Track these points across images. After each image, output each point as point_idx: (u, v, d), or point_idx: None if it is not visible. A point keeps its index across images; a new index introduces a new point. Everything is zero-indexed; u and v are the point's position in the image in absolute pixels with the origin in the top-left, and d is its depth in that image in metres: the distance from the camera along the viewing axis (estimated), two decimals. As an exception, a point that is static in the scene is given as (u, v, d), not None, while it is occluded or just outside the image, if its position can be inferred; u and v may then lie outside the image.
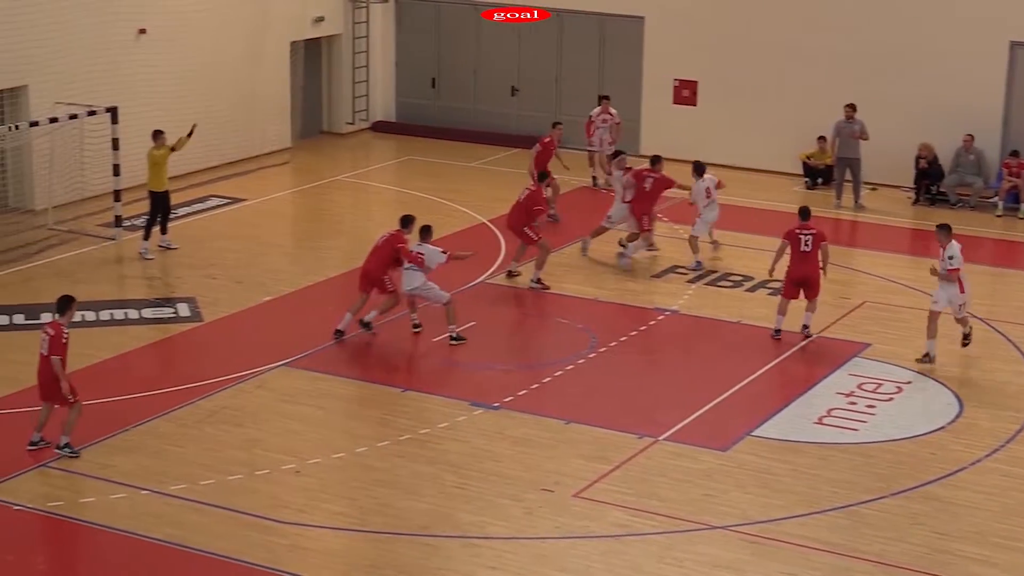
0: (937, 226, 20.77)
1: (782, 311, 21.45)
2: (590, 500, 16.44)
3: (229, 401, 18.87)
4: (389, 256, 21.07)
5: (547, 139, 27.70)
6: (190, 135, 25.16)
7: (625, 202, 25.00)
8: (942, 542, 15.62)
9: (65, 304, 17.31)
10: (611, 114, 29.77)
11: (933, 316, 20.38)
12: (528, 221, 23.71)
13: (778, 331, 21.37)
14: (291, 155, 32.29)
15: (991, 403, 19.32)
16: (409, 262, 20.90)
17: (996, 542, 15.63)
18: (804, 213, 21.78)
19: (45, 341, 17.07)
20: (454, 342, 21.02)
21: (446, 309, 21.06)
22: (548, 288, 23.61)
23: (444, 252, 21.03)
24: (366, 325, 21.29)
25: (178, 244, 25.08)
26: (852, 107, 28.72)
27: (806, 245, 21.24)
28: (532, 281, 23.62)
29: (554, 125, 28.45)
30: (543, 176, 24.87)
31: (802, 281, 21.30)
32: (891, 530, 15.87)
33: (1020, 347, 21.42)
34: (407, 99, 35.14)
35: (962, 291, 20.29)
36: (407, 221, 21.40)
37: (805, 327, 21.49)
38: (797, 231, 21.36)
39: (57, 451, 17.07)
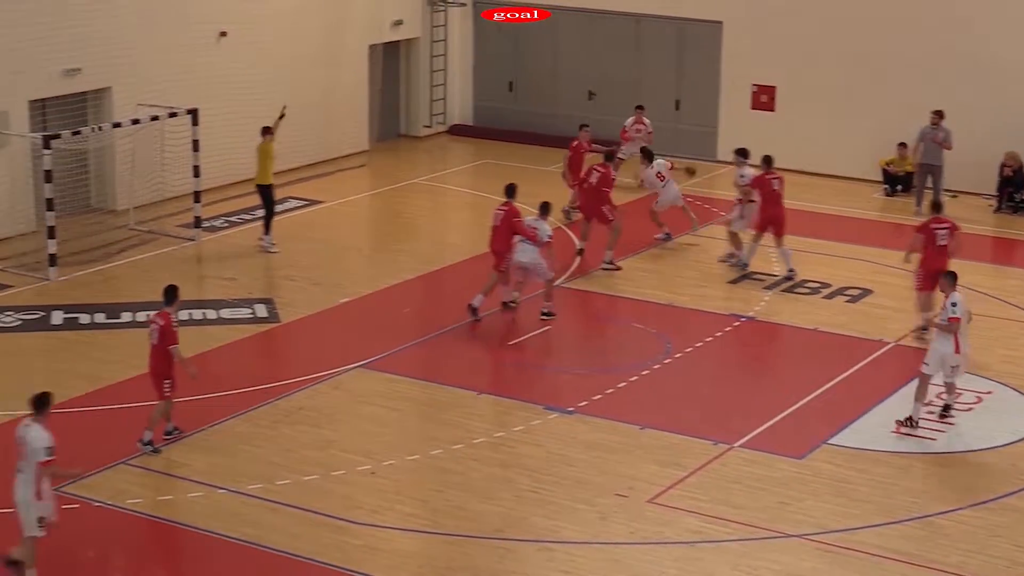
0: (943, 274, 19.18)
1: (925, 307, 21.21)
2: (664, 506, 16.40)
3: (305, 402, 19.01)
4: (509, 231, 21.96)
5: (575, 143, 27.72)
6: (281, 117, 25.68)
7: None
8: (1022, 555, 15.43)
9: (171, 294, 17.56)
10: (644, 124, 29.82)
11: (924, 380, 18.49)
12: (603, 201, 24.63)
13: (925, 328, 20.93)
14: (368, 158, 32.45)
15: (1073, 414, 19.09)
16: (523, 236, 21.79)
17: (1077, 555, 15.45)
18: (936, 207, 22.01)
19: (155, 332, 17.29)
20: (544, 317, 21.83)
21: (546, 285, 21.98)
22: (620, 268, 24.38)
23: (550, 236, 22.00)
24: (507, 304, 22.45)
25: (278, 248, 25.26)
26: (939, 114, 28.41)
27: (942, 239, 21.27)
28: (605, 262, 24.45)
29: (581, 127, 28.26)
30: (609, 156, 25.48)
31: (938, 273, 20.75)
32: (969, 542, 15.70)
33: (1103, 358, 21.13)
34: (484, 102, 35.22)
35: (957, 351, 18.32)
36: (511, 190, 22.42)
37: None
38: (932, 226, 21.40)
39: (139, 446, 17.26)
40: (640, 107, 30.38)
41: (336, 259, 25.16)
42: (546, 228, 22.02)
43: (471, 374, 20.20)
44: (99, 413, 18.54)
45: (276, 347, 21.20)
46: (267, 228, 25.33)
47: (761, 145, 29.91)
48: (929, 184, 28.64)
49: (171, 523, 15.72)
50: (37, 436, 13.99)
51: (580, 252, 24.96)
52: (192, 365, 17.51)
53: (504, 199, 22.44)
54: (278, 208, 27.89)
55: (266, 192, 25.28)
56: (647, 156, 26.79)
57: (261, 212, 25.81)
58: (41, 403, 14.30)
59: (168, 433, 17.61)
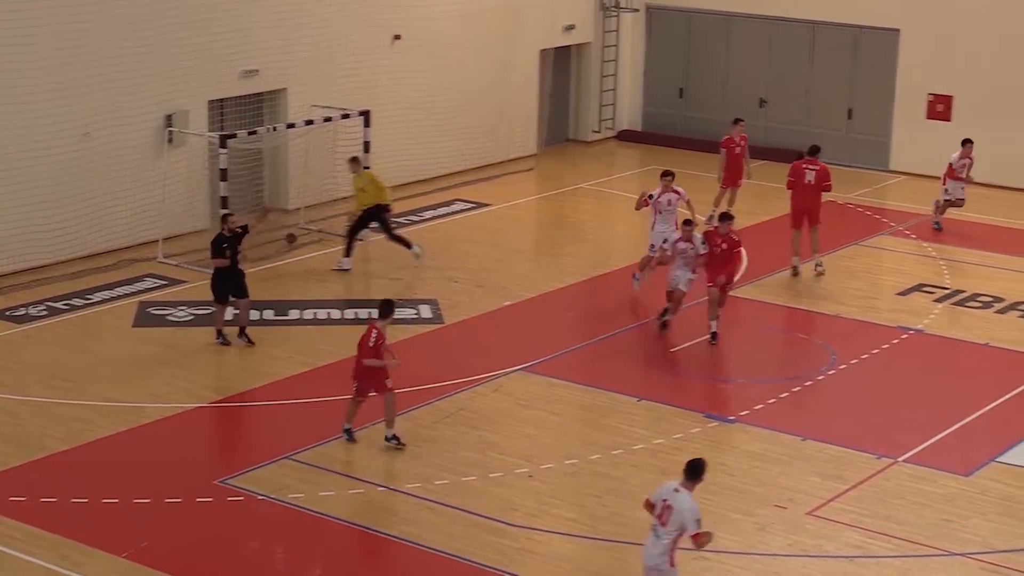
0: None
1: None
2: (824, 519, 16.14)
3: (466, 403, 19.10)
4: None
5: (727, 138, 27.32)
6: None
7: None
8: None
9: (387, 308, 17.80)
10: (678, 193, 23.92)
11: None
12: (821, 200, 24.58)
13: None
14: (536, 162, 32.55)
15: None
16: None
17: None
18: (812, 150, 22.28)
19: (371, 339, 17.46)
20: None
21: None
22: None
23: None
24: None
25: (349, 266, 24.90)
26: None
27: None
28: (818, 265, 24.51)
29: (736, 121, 27.89)
30: (814, 149, 24.93)
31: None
32: None
33: None
34: (654, 108, 35.09)
35: None
36: (667, 173, 23.34)
37: None
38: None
39: (386, 442, 17.59)
40: (668, 174, 24.64)
41: (501, 262, 25.27)
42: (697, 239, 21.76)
43: (632, 380, 20.11)
44: (262, 408, 18.86)
45: (438, 348, 21.34)
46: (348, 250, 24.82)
47: (936, 156, 29.42)
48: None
49: (330, 518, 15.91)
50: (688, 506, 13.02)
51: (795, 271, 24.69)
52: (391, 357, 17.61)
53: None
54: (444, 210, 28.19)
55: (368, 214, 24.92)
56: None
57: (401, 219, 26.10)
58: (695, 471, 13.28)
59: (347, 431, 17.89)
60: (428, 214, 27.93)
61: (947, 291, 23.95)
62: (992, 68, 30.47)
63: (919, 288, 24.12)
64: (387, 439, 17.60)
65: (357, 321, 22.02)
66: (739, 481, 17.05)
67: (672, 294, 21.64)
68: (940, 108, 31.24)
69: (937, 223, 27.31)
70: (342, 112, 26.59)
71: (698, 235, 21.71)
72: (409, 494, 16.51)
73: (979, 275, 24.75)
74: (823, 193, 24.72)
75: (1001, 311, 23.14)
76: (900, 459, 17.63)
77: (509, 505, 16.32)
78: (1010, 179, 30.35)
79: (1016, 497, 16.79)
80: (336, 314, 22.45)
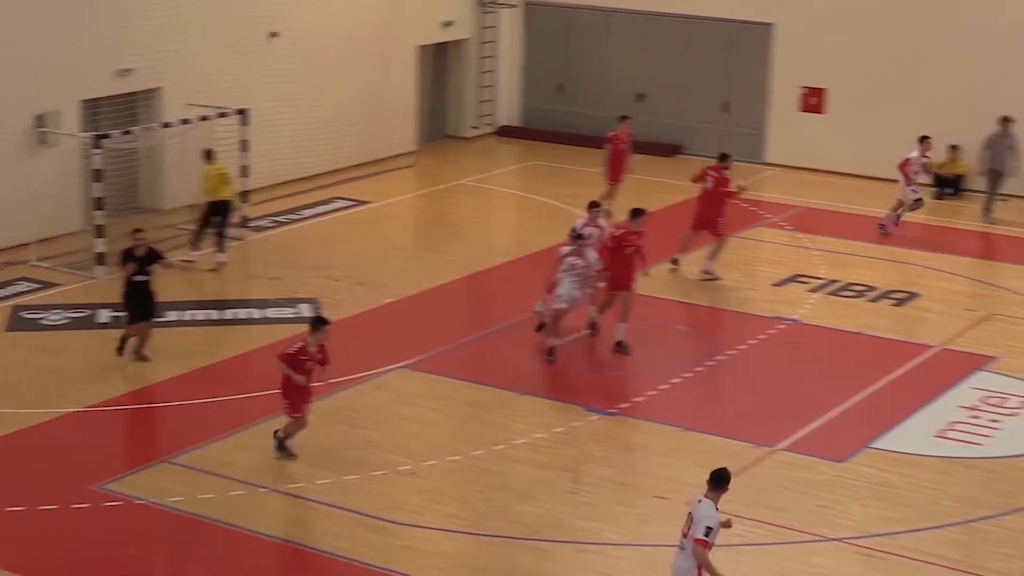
0: None
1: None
2: (704, 509, 16.31)
3: (348, 402, 19.04)
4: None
5: (613, 134, 27.52)
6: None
7: None
8: (1065, 561, 15.31)
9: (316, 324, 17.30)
10: (600, 227, 22.21)
11: None
12: (721, 210, 24.28)
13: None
14: (416, 159, 32.51)
15: (1120, 420, 18.87)
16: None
17: (1122, 563, 15.28)
18: (722, 157, 22.28)
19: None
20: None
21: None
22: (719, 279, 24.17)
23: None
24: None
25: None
26: (1008, 119, 28.17)
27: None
28: (705, 272, 24.13)
29: (621, 118, 27.97)
30: (723, 156, 24.74)
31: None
32: (1013, 547, 15.55)
33: None
34: (533, 104, 35.22)
35: None
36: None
37: None
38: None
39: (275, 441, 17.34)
40: (596, 205, 24.11)
41: (381, 259, 25.21)
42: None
43: (513, 375, 20.15)
44: (140, 411, 18.65)
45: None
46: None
47: (809, 148, 29.87)
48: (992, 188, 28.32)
49: (212, 521, 15.77)
50: (705, 514, 12.85)
51: (675, 263, 24.57)
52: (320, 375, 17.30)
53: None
54: (323, 208, 28.08)
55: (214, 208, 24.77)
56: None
57: (280, 218, 25.81)
58: (718, 480, 13.06)
59: None
60: (307, 212, 27.78)
61: (822, 281, 24.33)
62: (863, 61, 30.98)
63: (794, 279, 24.48)
64: (275, 438, 17.44)
65: (236, 321, 21.88)
66: (621, 473, 17.19)
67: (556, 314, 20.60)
68: (813, 101, 31.71)
69: (882, 225, 27.12)
70: (219, 111, 26.34)
71: (591, 253, 20.66)
72: (291, 494, 16.43)
73: (852, 265, 25.18)
74: (727, 200, 24.49)
75: (873, 300, 23.56)
76: (777, 447, 17.89)
77: (392, 503, 16.29)
78: (882, 170, 30.80)
79: (889, 482, 17.11)
80: (215, 315, 22.26)
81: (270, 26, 29.04)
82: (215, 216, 24.49)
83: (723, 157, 24.67)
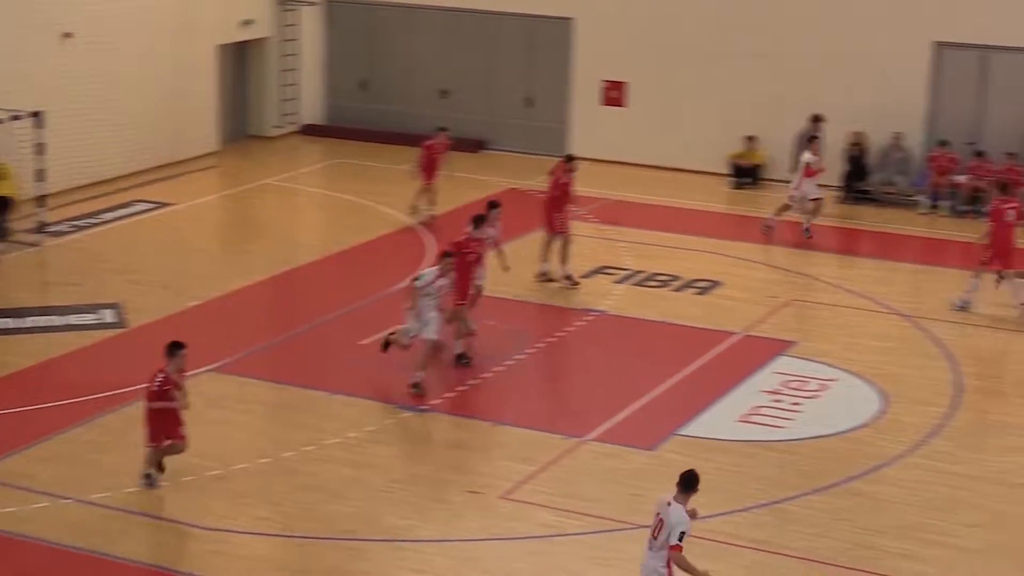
0: None
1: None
2: (517, 501, 16.42)
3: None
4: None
5: (430, 143, 27.50)
6: None
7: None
8: (866, 537, 15.73)
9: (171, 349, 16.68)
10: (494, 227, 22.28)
11: None
12: (557, 209, 23.88)
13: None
14: (218, 159, 32.06)
15: (913, 399, 19.48)
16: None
17: (919, 536, 15.76)
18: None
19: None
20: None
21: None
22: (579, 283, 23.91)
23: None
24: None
25: None
26: (819, 117, 28.81)
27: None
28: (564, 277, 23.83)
29: (439, 129, 27.93)
30: (568, 157, 24.67)
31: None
32: (816, 526, 15.96)
33: (942, 343, 21.59)
34: (337, 102, 35.02)
35: None
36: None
37: None
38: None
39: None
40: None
41: (185, 261, 24.81)
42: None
43: (323, 375, 20.02)
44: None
45: (124, 353, 20.82)
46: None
47: (612, 141, 30.26)
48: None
49: (14, 536, 15.34)
50: (677, 519, 12.73)
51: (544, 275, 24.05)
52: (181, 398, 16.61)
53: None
54: (124, 211, 27.59)
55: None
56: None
57: (79, 223, 25.46)
58: (688, 483, 13.05)
59: None
60: (108, 216, 27.20)
61: (627, 272, 24.66)
62: (662, 54, 31.45)
63: (601, 271, 24.77)
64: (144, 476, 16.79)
65: (36, 329, 21.34)
66: (433, 470, 17.20)
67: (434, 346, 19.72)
68: (614, 94, 32.11)
69: (807, 229, 27.05)
70: (11, 113, 25.63)
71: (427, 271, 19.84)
72: (97, 504, 16.06)
73: (656, 256, 25.56)
74: (566, 206, 24.12)
75: (678, 289, 23.95)
76: (587, 438, 18.08)
77: (202, 508, 16.06)
78: (682, 161, 31.41)
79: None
80: (11, 324, 21.65)
81: (63, 27, 28.36)
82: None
83: (568, 159, 24.72)
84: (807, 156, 26.87)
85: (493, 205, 21.93)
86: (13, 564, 15.03)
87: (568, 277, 23.82)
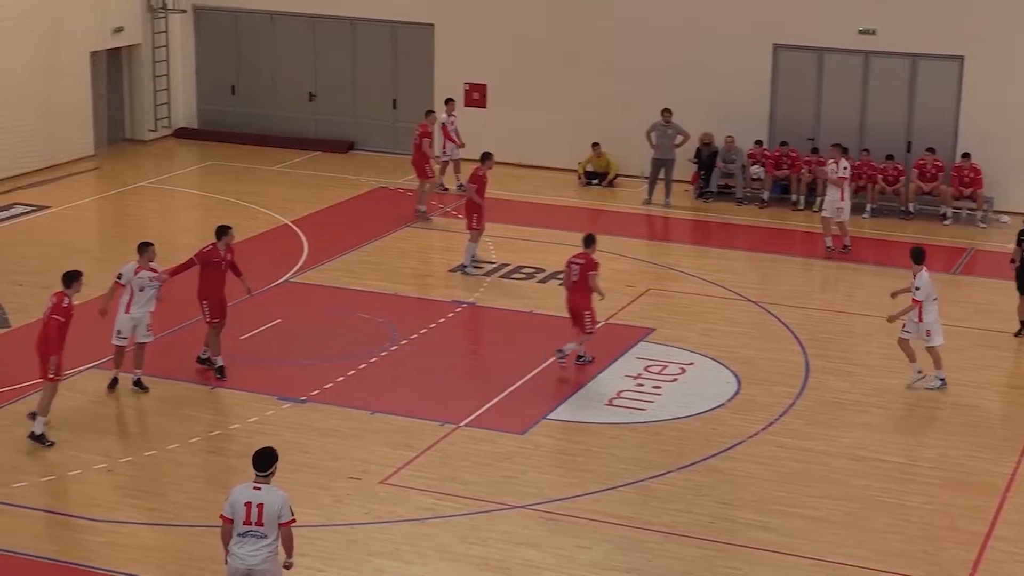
0: (910, 250, 19.72)
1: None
2: (397, 486, 16.43)
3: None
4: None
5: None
6: None
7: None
8: (725, 511, 16.00)
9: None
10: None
11: (902, 343, 19.62)
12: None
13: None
14: (95, 163, 31.50)
15: (766, 380, 19.84)
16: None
17: (774, 508, 16.08)
18: (587, 240, 20.23)
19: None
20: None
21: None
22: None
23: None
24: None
25: None
26: (669, 112, 29.11)
27: (574, 274, 19.90)
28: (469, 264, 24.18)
29: (427, 114, 28.56)
30: (486, 155, 24.76)
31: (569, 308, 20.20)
32: (678, 502, 16.20)
33: (790, 327, 22.01)
34: (208, 106, 34.60)
35: (920, 320, 19.27)
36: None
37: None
38: (569, 260, 20.18)
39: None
40: (451, 99, 29.99)
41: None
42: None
43: (205, 369, 19.79)
44: None
45: (8, 351, 20.39)
46: None
47: (475, 140, 30.26)
48: (662, 176, 29.19)
49: (-94, 532, 15.01)
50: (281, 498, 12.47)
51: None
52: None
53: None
54: (2, 214, 27.06)
55: None
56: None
57: None
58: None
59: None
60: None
61: (494, 265, 24.75)
62: (520, 56, 31.55)
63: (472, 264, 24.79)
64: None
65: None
66: (315, 458, 17.13)
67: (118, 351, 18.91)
68: (476, 96, 32.16)
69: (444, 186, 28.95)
70: None
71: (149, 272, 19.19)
72: (-13, 500, 15.77)
73: (521, 249, 25.68)
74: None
75: (543, 280, 24.10)
76: (462, 424, 18.14)
77: (91, 501, 15.83)
78: (538, 158, 31.57)
79: (565, 450, 17.59)
80: None
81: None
82: None
83: (484, 156, 24.87)
84: (443, 117, 29.01)
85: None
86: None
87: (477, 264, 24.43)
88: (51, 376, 17.08)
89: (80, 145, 31.52)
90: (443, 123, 29.40)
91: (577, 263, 20.03)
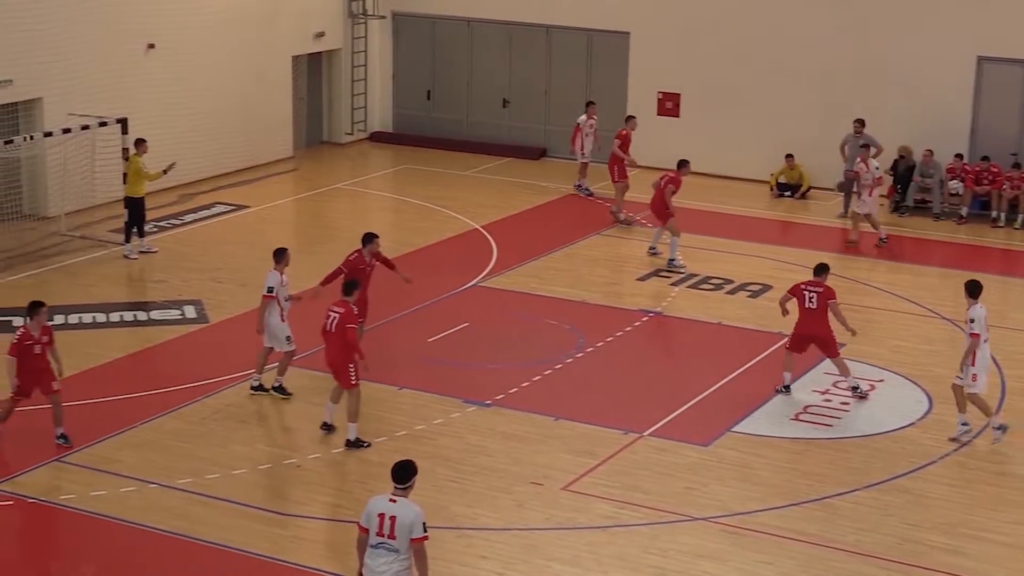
0: (965, 284, 18.35)
1: (787, 365, 19.49)
2: (578, 493, 16.41)
3: (234, 399, 18.83)
4: None
5: (624, 131, 28.05)
6: (166, 172, 25.01)
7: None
8: (913, 532, 15.61)
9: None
10: (595, 119, 29.60)
11: (956, 389, 18.18)
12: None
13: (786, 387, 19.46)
14: (293, 164, 32.24)
15: (959, 400, 19.26)
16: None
17: (964, 532, 15.63)
18: (818, 269, 19.52)
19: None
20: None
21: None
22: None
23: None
24: None
25: (157, 248, 25.17)
26: (861, 122, 28.59)
27: (811, 302, 19.30)
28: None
29: (627, 119, 28.87)
30: (682, 163, 25.61)
31: (804, 337, 19.40)
32: (864, 521, 15.85)
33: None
34: (404, 110, 35.11)
35: (972, 363, 17.83)
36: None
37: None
38: (803, 287, 19.43)
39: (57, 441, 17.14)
40: (592, 103, 30.28)
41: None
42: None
43: (392, 370, 20.03)
44: (32, 412, 18.24)
45: (205, 346, 20.97)
46: (127, 237, 24.87)
47: (666, 149, 30.12)
48: (855, 189, 28.64)
49: (104, 517, 15.50)
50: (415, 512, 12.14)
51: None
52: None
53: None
54: (205, 213, 27.82)
55: (134, 204, 24.77)
56: None
57: (163, 223, 25.67)
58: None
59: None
60: (189, 217, 27.43)
61: (682, 275, 24.58)
62: (714, 66, 31.34)
63: (656, 273, 24.70)
64: (57, 438, 17.17)
65: (122, 324, 21.55)
66: (497, 462, 17.20)
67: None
68: (669, 105, 32.01)
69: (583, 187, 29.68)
70: (99, 120, 25.88)
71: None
72: (181, 489, 16.19)
73: (710, 259, 25.47)
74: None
75: (731, 292, 23.85)
76: (645, 433, 18.04)
77: (279, 495, 16.16)
78: (732, 169, 31.29)
79: (749, 463, 17.35)
80: (101, 318, 21.87)
81: (147, 37, 28.59)
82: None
83: (680, 164, 25.53)
84: (581, 120, 29.38)
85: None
86: (103, 544, 15.16)
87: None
88: (353, 382, 17.35)
89: (279, 147, 32.29)
90: (579, 123, 29.65)
91: (814, 291, 19.32)
